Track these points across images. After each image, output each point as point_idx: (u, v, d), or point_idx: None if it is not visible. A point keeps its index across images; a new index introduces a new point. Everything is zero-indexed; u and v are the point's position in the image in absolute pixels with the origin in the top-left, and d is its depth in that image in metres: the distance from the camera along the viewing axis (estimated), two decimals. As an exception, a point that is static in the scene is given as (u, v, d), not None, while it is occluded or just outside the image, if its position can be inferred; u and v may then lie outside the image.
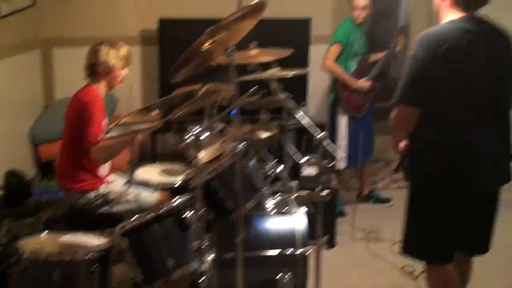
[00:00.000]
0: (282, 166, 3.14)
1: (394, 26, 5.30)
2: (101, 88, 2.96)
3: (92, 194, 2.90)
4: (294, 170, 3.72)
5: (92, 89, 2.91)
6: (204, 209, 2.20)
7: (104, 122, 2.93)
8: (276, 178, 3.07)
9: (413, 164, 2.41)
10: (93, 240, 2.44)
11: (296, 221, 2.86)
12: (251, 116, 3.13)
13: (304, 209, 2.91)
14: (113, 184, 2.99)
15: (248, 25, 2.41)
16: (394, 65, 4.97)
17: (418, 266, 3.14)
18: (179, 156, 2.61)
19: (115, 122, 2.13)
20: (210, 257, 2.30)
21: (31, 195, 3.70)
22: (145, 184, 2.99)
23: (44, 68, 4.92)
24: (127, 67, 2.98)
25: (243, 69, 2.97)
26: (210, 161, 2.96)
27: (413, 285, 3.39)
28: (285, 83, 5.16)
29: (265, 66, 2.95)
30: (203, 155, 3.05)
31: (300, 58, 5.19)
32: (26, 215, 3.34)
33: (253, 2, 2.23)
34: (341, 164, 4.47)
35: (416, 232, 2.45)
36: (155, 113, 2.16)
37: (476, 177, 2.28)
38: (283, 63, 4.99)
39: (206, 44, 2.25)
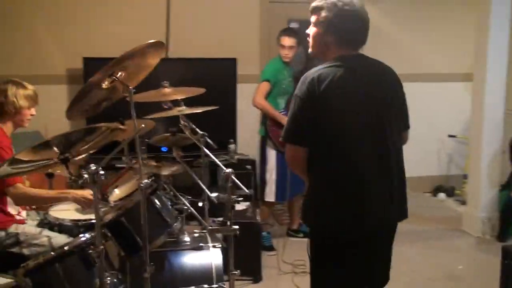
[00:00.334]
0: (201, 203, 3.17)
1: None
2: (7, 127, 2.94)
3: (2, 233, 2.83)
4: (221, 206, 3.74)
5: None
6: (102, 246, 2.17)
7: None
8: (193, 215, 3.09)
9: (305, 205, 2.40)
10: (-3, 281, 2.38)
11: (212, 256, 2.88)
12: (166, 153, 3.15)
13: (219, 244, 2.93)
14: (25, 225, 2.93)
15: (151, 64, 2.44)
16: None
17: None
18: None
19: (7, 160, 2.10)
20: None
21: None
22: (60, 223, 2.94)
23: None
24: (35, 106, 2.98)
25: (157, 106, 3.02)
26: (122, 198, 2.97)
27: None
28: (214, 120, 5.27)
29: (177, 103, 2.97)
30: (118, 192, 3.06)
31: (227, 95, 5.35)
32: None
33: (150, 41, 2.27)
34: (270, 197, 4.53)
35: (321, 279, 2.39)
36: (55, 149, 2.14)
37: (363, 218, 2.22)
38: (211, 100, 5.09)
39: (106, 82, 2.28)
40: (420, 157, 6.34)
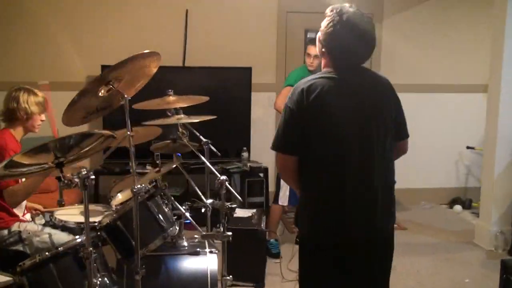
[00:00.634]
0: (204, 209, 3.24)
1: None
2: (17, 132, 3.08)
3: (5, 232, 2.95)
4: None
5: (7, 132, 3.03)
6: (91, 248, 2.26)
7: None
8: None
9: (297, 212, 2.43)
10: (-4, 279, 2.49)
11: (208, 261, 2.94)
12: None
13: (215, 249, 3.00)
14: (27, 223, 3.05)
15: (148, 73, 2.52)
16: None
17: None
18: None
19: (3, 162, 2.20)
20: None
21: None
22: (64, 225, 3.05)
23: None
24: (44, 112, 3.11)
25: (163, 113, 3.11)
26: (123, 202, 3.06)
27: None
28: (228, 128, 5.36)
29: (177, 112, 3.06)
30: (120, 197, 3.16)
31: (242, 103, 5.45)
32: None
33: (144, 51, 2.36)
34: (283, 201, 4.58)
35: None
36: (52, 153, 2.23)
37: (349, 226, 2.24)
38: (226, 108, 5.20)
39: (103, 91, 2.37)
40: (438, 168, 6.31)
